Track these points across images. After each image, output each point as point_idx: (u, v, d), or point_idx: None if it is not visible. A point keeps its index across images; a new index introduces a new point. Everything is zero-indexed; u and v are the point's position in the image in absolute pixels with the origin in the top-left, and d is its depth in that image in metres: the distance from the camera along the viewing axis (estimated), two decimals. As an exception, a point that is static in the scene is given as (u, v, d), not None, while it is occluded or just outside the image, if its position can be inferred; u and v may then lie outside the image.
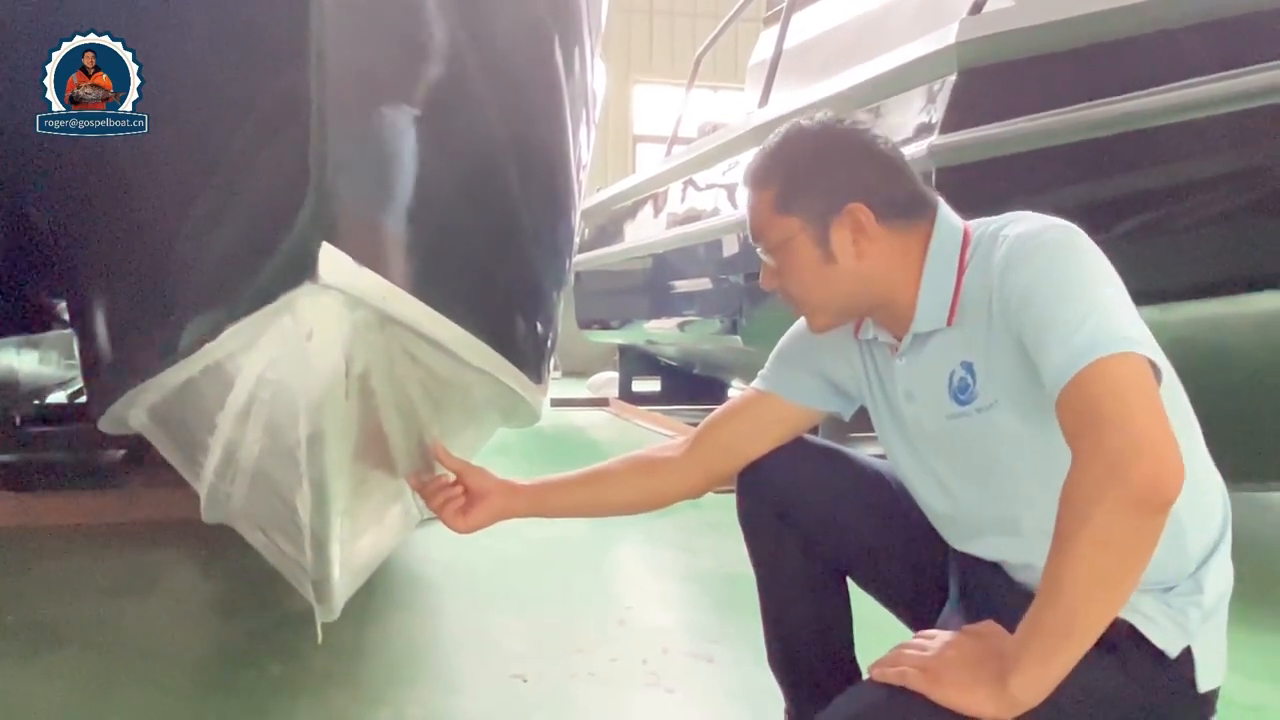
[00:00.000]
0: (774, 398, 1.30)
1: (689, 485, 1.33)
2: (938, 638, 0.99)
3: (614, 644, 1.94)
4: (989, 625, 0.99)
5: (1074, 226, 1.03)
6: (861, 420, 1.35)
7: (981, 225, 1.12)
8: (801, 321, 1.32)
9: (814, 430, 1.36)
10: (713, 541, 2.79)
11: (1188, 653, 1.02)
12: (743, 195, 1.20)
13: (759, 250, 1.18)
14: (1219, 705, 1.07)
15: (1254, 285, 2.10)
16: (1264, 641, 1.92)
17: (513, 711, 1.63)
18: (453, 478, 1.32)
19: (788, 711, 1.38)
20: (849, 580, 1.33)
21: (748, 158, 4.15)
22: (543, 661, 1.83)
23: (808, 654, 1.33)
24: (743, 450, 1.30)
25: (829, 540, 1.28)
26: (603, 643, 1.94)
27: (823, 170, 1.13)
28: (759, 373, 1.33)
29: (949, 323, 1.10)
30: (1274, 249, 2.06)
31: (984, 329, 1.06)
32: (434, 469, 1.39)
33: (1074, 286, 0.97)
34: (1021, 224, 1.06)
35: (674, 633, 2.03)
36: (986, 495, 1.12)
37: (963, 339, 1.09)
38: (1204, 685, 1.03)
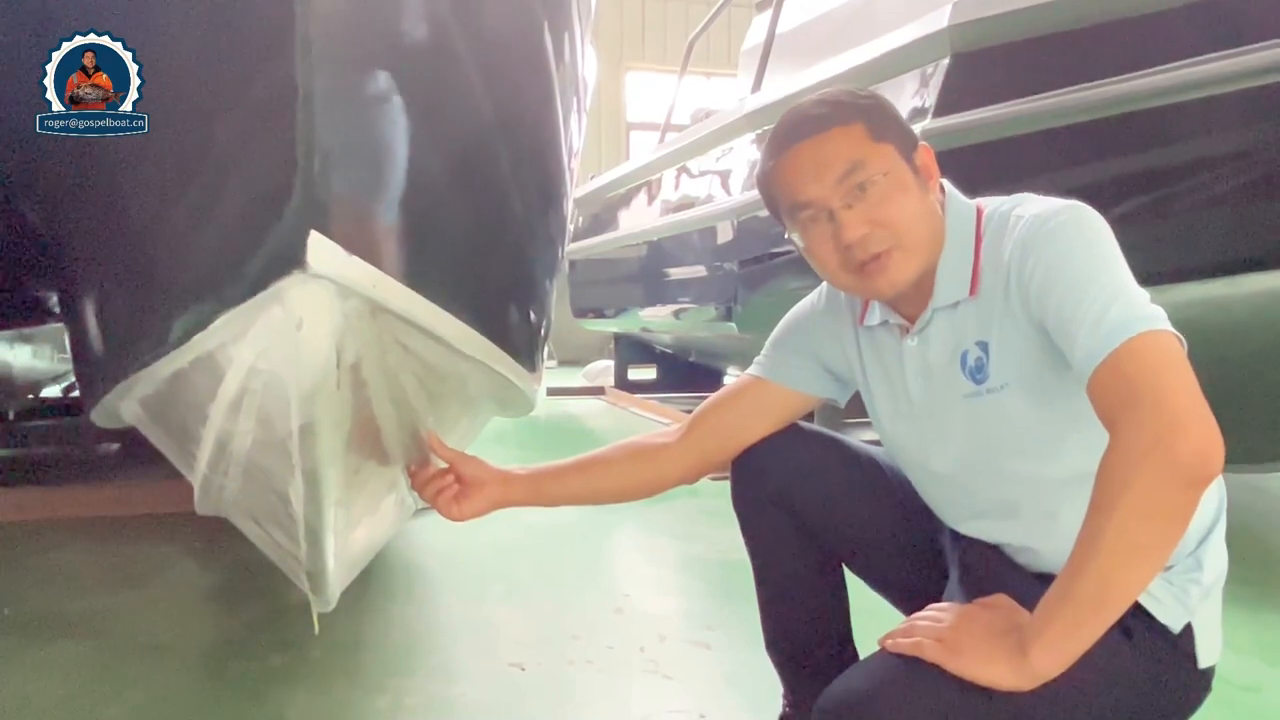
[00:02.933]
0: (769, 384, 1.29)
1: (684, 471, 1.32)
2: (951, 610, 0.99)
3: (611, 631, 1.94)
4: (1001, 598, 0.99)
5: (1085, 206, 1.03)
6: (856, 407, 1.35)
7: (991, 204, 1.12)
8: (798, 308, 1.32)
9: (808, 417, 1.36)
10: (709, 529, 2.79)
11: (1189, 629, 1.03)
12: (798, 151, 1.09)
13: (839, 197, 1.07)
14: (1215, 685, 1.08)
15: (1248, 267, 2.09)
16: (1259, 620, 1.92)
17: (511, 699, 1.63)
18: (446, 466, 1.32)
19: (786, 697, 1.38)
20: (845, 567, 1.33)
21: (742, 144, 4.10)
22: (540, 649, 1.83)
23: (805, 641, 1.33)
24: (738, 436, 1.29)
25: (824, 526, 1.28)
26: (600, 630, 1.94)
27: (895, 112, 1.12)
28: (755, 359, 1.33)
29: (972, 293, 1.09)
30: (1270, 230, 2.06)
31: (999, 309, 1.06)
32: (428, 459, 1.38)
33: (1096, 268, 0.98)
34: (1034, 205, 1.06)
35: (671, 620, 2.03)
36: (988, 478, 1.12)
37: (978, 318, 1.09)
38: (1204, 661, 1.04)
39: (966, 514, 1.18)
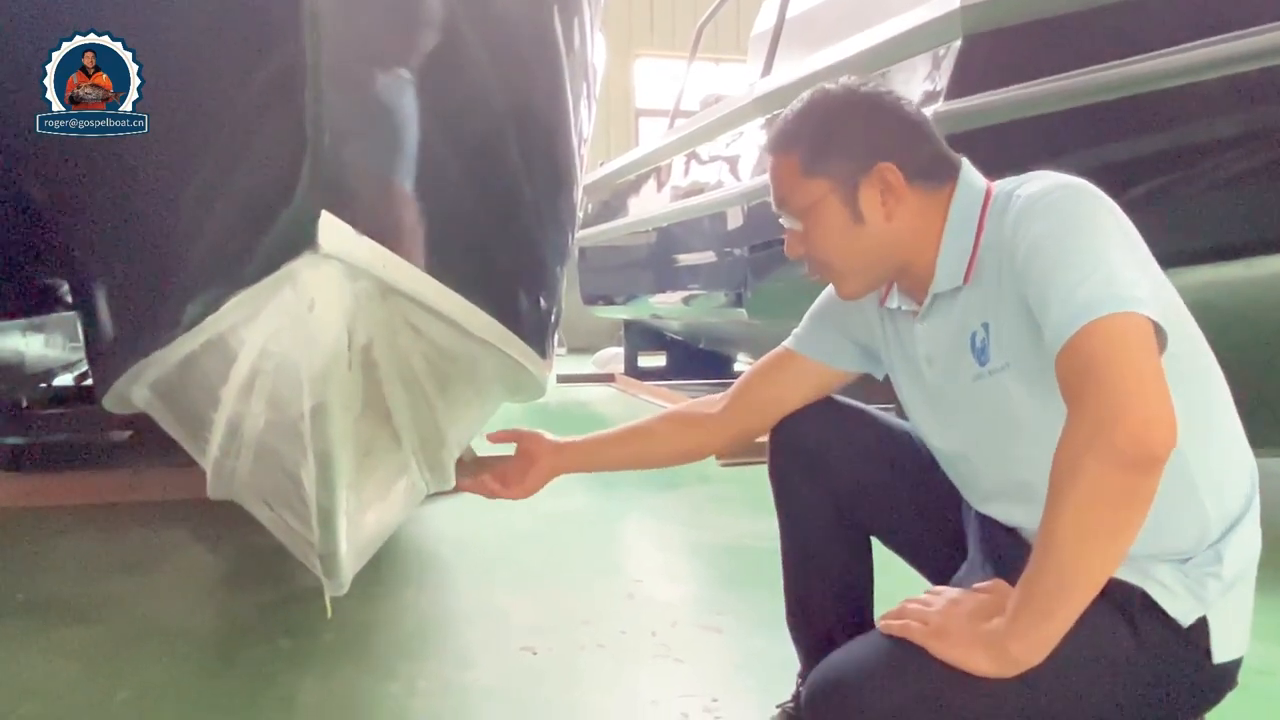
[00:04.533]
0: (805, 358, 1.32)
1: (725, 439, 1.37)
2: (943, 594, 1.00)
3: (623, 616, 1.94)
4: (997, 584, 0.99)
5: (1088, 184, 1.02)
6: (881, 390, 1.35)
7: (1001, 184, 1.11)
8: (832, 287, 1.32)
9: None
10: (717, 516, 2.78)
11: (1203, 623, 1.00)
12: (765, 163, 1.18)
13: (782, 217, 1.16)
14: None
15: (1265, 249, 2.08)
16: (1273, 604, 1.90)
17: (523, 683, 1.63)
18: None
19: (801, 676, 1.38)
20: (874, 541, 1.34)
21: (751, 129, 4.09)
22: (552, 634, 1.83)
23: (827, 614, 1.33)
24: (776, 409, 1.32)
25: (856, 498, 1.29)
26: (611, 615, 1.94)
27: (850, 131, 1.11)
28: (793, 331, 1.35)
29: (965, 280, 1.09)
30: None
31: (997, 289, 1.06)
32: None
33: (1079, 246, 0.96)
34: (1036, 183, 1.05)
35: (682, 605, 2.03)
36: (1002, 459, 1.12)
37: (981, 299, 1.08)
38: (1220, 656, 1.01)
39: (983, 494, 1.18)
